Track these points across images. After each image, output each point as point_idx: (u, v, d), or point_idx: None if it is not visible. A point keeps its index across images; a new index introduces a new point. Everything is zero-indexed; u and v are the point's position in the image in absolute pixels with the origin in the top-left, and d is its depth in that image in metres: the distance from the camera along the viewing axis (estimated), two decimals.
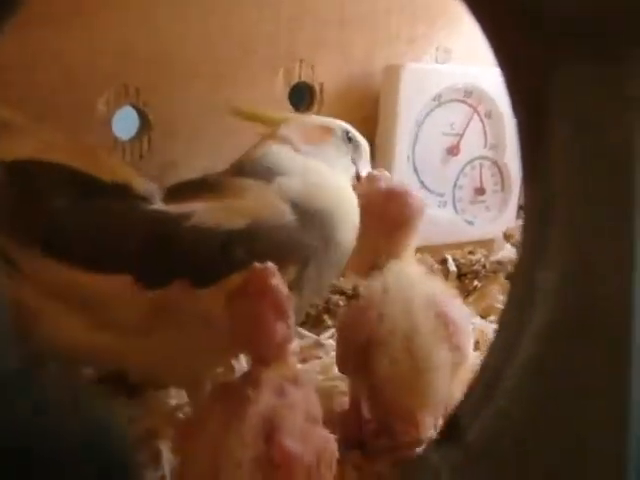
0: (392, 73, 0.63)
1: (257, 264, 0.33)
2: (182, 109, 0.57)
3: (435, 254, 0.63)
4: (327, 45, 0.63)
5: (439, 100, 0.65)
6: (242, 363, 0.47)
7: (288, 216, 0.41)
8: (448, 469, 0.27)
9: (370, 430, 0.41)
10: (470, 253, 0.64)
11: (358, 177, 0.49)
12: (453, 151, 0.67)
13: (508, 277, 0.62)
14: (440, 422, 0.41)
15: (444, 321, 0.39)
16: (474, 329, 0.55)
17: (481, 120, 0.68)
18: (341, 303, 0.55)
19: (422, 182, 0.66)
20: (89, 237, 0.37)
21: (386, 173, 0.47)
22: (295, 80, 0.63)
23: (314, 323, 0.55)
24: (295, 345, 0.51)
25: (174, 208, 0.39)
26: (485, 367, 0.28)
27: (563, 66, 0.23)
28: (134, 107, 0.57)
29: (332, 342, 0.51)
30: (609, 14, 0.22)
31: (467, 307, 0.59)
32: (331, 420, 0.37)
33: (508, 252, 0.67)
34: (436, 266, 0.61)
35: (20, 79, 0.50)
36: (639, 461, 0.24)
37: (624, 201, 0.23)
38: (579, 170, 0.24)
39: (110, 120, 0.56)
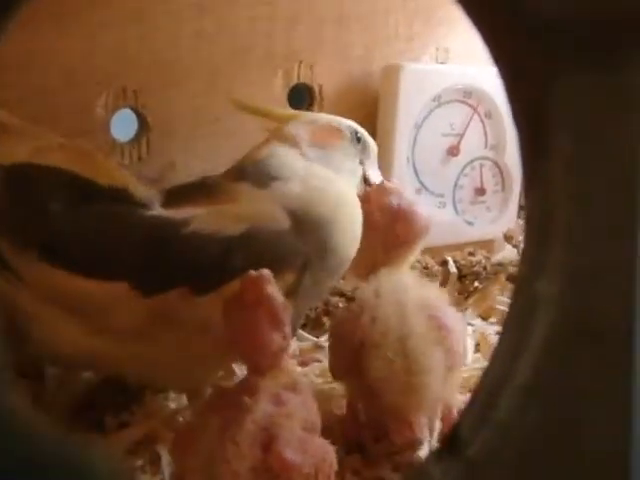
0: (391, 73, 0.62)
1: (252, 272, 0.33)
2: (180, 111, 0.57)
3: (435, 255, 0.62)
4: (326, 45, 0.63)
5: (439, 100, 0.64)
6: (243, 368, 0.47)
7: (284, 222, 0.40)
8: None
9: (368, 434, 0.41)
10: (470, 254, 0.63)
11: (366, 180, 0.48)
12: (453, 151, 0.66)
13: (509, 278, 0.62)
14: (435, 424, 0.41)
15: (437, 324, 0.39)
16: (474, 331, 0.55)
17: (481, 120, 0.67)
18: (341, 305, 0.55)
19: (422, 183, 0.65)
20: (87, 242, 0.37)
21: (398, 185, 0.46)
22: (294, 81, 0.62)
23: (313, 325, 0.55)
24: (294, 348, 0.51)
25: (173, 214, 0.39)
26: (486, 379, 0.28)
27: (563, 76, 0.23)
28: (132, 109, 0.56)
29: None
30: (608, 24, 0.22)
31: (467, 309, 0.59)
32: (330, 424, 0.38)
33: (509, 253, 0.67)
34: (436, 268, 0.60)
35: (18, 81, 0.50)
36: None
37: (625, 212, 0.23)
38: (580, 181, 0.24)
39: (108, 122, 0.55)
